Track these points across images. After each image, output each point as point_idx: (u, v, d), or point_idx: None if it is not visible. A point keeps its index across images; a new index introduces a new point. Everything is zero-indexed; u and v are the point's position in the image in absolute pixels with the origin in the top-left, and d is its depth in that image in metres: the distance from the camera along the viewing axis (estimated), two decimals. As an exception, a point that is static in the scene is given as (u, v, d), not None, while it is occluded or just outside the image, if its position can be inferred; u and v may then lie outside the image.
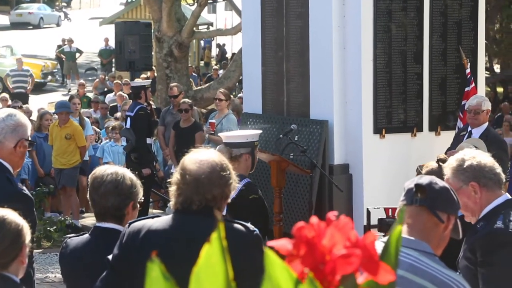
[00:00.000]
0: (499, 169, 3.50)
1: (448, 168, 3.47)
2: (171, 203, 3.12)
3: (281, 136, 8.18)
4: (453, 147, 7.37)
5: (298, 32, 8.93)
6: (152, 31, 16.37)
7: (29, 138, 4.02)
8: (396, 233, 1.31)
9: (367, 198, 8.36)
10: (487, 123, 7.65)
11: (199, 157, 3.12)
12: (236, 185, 3.17)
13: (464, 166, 3.44)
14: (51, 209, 11.59)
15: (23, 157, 4.01)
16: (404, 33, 8.66)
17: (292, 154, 8.29)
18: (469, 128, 7.67)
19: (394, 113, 8.65)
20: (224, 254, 1.14)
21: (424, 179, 2.82)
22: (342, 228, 1.31)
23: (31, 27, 42.10)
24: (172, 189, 3.10)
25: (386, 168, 8.43)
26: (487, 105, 7.72)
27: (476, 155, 3.50)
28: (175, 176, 3.11)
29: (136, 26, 13.96)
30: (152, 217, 3.13)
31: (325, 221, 1.30)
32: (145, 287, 1.19)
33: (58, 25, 43.91)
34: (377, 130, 8.56)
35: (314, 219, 1.31)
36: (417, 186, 2.77)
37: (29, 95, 22.51)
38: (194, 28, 16.89)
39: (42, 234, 9.44)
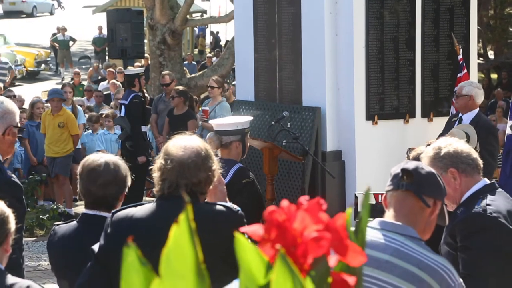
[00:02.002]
0: (475, 154, 3.52)
1: (426, 157, 3.49)
2: (155, 189, 3.11)
3: (273, 123, 8.18)
4: (444, 133, 7.38)
5: (290, 19, 8.91)
6: (145, 19, 16.30)
7: (19, 125, 3.99)
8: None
9: (359, 184, 8.36)
10: (477, 109, 7.63)
11: (183, 142, 3.13)
12: (219, 170, 3.18)
13: (442, 154, 3.47)
14: (44, 198, 11.58)
15: (13, 144, 3.99)
16: (396, 19, 8.64)
17: (285, 141, 8.29)
18: (460, 114, 7.67)
19: (387, 99, 8.64)
20: (192, 235, 1.14)
21: (411, 164, 2.83)
22: (313, 211, 1.31)
23: (24, 15, 41.94)
24: (156, 175, 3.10)
25: (379, 154, 8.43)
26: (470, 91, 7.61)
27: (452, 142, 3.53)
28: (159, 162, 3.11)
29: (127, 13, 13.91)
30: (135, 206, 3.12)
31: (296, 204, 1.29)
32: (122, 272, 1.19)
33: (51, 13, 43.75)
34: (370, 116, 8.56)
35: (284, 203, 1.31)
36: (404, 171, 2.78)
37: (22, 84, 22.44)
38: (188, 16, 16.84)
39: (34, 222, 9.44)
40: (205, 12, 32.51)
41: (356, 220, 1.37)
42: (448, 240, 3.41)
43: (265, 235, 1.29)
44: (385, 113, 8.63)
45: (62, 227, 3.59)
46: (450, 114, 8.42)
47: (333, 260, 1.28)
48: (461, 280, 2.70)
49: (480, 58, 24.76)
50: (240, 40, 9.71)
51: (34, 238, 9.49)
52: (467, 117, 7.49)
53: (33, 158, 11.69)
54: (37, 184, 9.74)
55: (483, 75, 23.15)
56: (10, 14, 41.31)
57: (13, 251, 2.81)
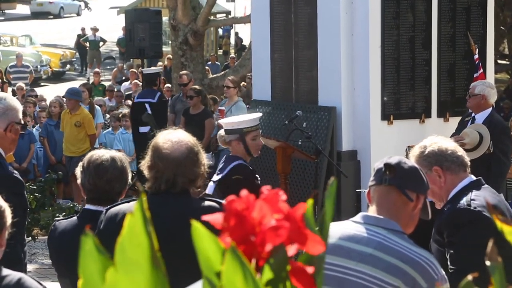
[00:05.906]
0: (461, 152, 3.54)
1: (412, 157, 3.53)
2: (148, 185, 3.11)
3: (286, 122, 8.20)
4: (457, 133, 7.36)
5: (306, 19, 8.93)
6: (168, 19, 16.37)
7: (21, 122, 4.01)
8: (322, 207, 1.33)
9: (375, 184, 8.34)
10: (490, 109, 7.57)
11: (173, 138, 3.12)
12: (207, 163, 3.19)
13: (426, 152, 3.50)
14: (64, 197, 11.69)
15: (15, 141, 4.00)
16: (412, 19, 8.62)
17: (300, 140, 8.31)
18: (473, 114, 7.63)
19: (402, 99, 8.63)
20: (147, 224, 1.15)
21: (393, 159, 2.86)
22: (272, 201, 1.33)
23: (51, 16, 42.31)
24: (148, 172, 3.08)
25: (394, 154, 8.36)
26: (482, 90, 7.53)
27: (438, 141, 3.57)
28: (150, 159, 3.09)
29: (145, 13, 14.02)
30: (128, 201, 3.14)
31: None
32: (79, 260, 1.21)
33: (78, 14, 44.09)
34: (385, 116, 8.55)
35: (244, 192, 1.33)
36: (386, 165, 2.80)
37: (47, 84, 22.64)
38: (211, 16, 16.91)
39: (50, 220, 9.53)
40: (229, 12, 32.57)
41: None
42: (436, 237, 3.43)
43: (224, 223, 1.31)
44: (401, 113, 8.61)
45: (62, 223, 3.62)
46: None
47: (292, 249, 1.30)
48: (443, 272, 2.71)
49: (506, 59, 24.55)
50: (257, 40, 9.75)
51: (50, 236, 9.54)
52: (480, 116, 7.45)
53: (52, 157, 11.80)
54: (53, 182, 9.84)
55: (508, 76, 22.94)
56: (37, 15, 41.70)
57: (9, 246, 2.81)
